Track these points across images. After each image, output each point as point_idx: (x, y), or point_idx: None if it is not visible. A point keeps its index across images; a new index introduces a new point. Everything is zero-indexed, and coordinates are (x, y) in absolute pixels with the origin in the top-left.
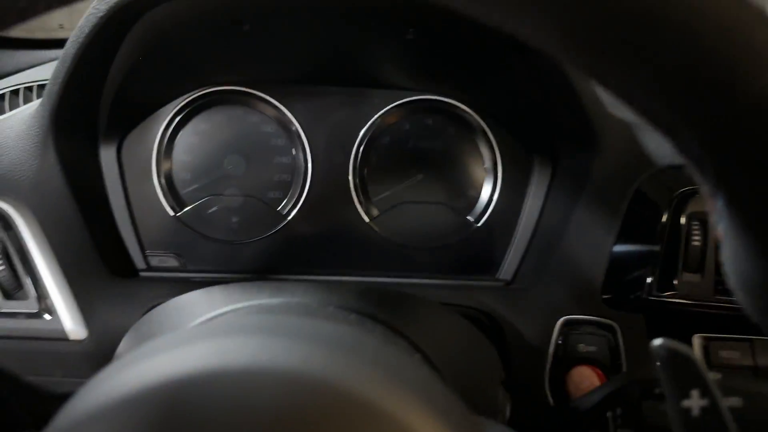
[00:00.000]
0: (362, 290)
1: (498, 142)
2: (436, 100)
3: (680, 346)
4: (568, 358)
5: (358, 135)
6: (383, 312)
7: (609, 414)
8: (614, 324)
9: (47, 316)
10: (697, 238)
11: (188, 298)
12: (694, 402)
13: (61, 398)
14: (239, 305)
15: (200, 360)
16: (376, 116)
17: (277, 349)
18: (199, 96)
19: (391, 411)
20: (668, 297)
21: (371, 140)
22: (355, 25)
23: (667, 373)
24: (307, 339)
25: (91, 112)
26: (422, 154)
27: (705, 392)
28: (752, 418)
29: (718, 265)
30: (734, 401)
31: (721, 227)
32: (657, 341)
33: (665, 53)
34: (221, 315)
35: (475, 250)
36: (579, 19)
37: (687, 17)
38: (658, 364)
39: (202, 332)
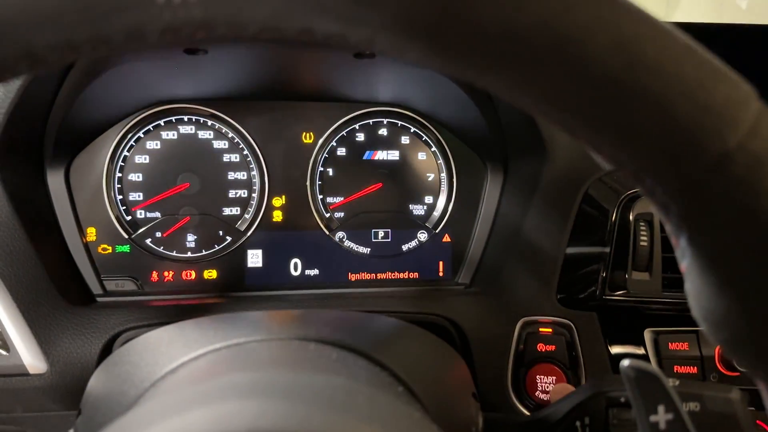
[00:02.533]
0: (337, 320)
1: (452, 151)
2: (389, 111)
3: (646, 366)
4: (528, 359)
5: (314, 148)
6: (362, 343)
7: (578, 423)
8: (570, 323)
9: (4, 352)
10: (644, 238)
11: (161, 335)
12: (661, 416)
13: None
14: (217, 345)
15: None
16: (330, 129)
17: (276, 413)
18: (148, 115)
19: None
20: (619, 295)
21: (327, 153)
22: (304, 46)
23: (636, 392)
24: (303, 399)
25: (37, 138)
26: (379, 165)
27: (670, 407)
28: (708, 418)
29: (664, 264)
30: (692, 406)
31: (684, 264)
32: (625, 362)
33: (633, 115)
34: (200, 357)
35: (435, 256)
36: (552, 85)
37: (651, 83)
38: (627, 382)
39: (197, 397)
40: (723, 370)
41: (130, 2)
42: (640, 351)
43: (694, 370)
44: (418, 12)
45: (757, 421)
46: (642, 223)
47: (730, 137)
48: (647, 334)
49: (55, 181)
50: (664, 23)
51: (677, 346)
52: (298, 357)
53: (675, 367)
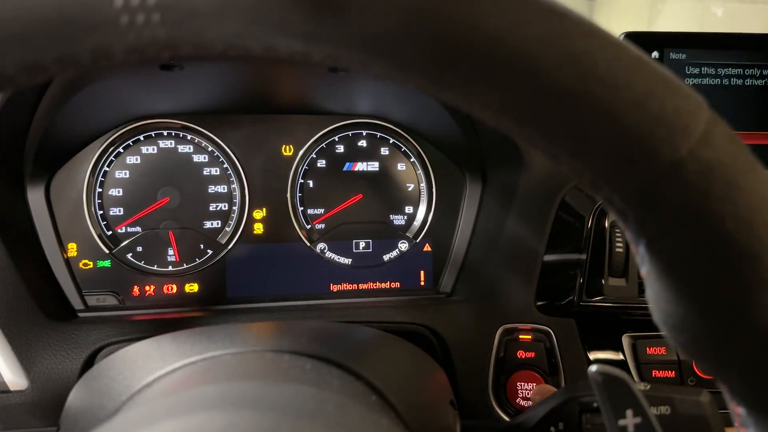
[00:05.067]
0: (313, 331)
1: (431, 161)
2: (368, 123)
3: (614, 371)
4: (509, 366)
5: (294, 160)
6: (336, 353)
7: (552, 429)
8: (549, 329)
9: None
10: (619, 244)
11: (138, 349)
12: (629, 420)
13: None
14: (193, 358)
15: None
16: (310, 141)
17: (244, 424)
18: (127, 130)
19: None
20: (597, 301)
21: (307, 165)
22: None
23: (604, 396)
24: (272, 408)
25: (17, 154)
26: (359, 176)
27: (638, 411)
28: (679, 421)
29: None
30: (663, 409)
31: (644, 270)
32: (593, 368)
33: (587, 125)
34: (176, 370)
35: (416, 265)
36: (508, 98)
37: (603, 93)
38: (595, 387)
39: (167, 409)
40: (700, 374)
41: (94, 23)
42: (619, 356)
43: (672, 374)
44: (377, 29)
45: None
46: (617, 230)
47: (682, 145)
48: (625, 340)
49: (35, 196)
50: (615, 37)
51: (655, 350)
52: (270, 368)
53: (653, 371)
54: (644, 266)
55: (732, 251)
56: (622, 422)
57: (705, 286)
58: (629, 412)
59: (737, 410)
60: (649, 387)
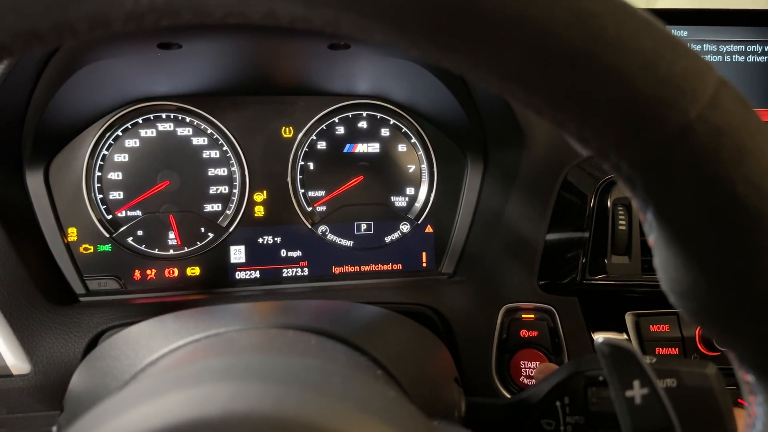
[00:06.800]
0: (316, 309)
1: (432, 142)
2: (368, 104)
3: (621, 342)
4: (512, 345)
5: (294, 142)
6: (342, 329)
7: (558, 403)
8: (552, 308)
9: None
10: (622, 222)
11: (141, 329)
12: (636, 391)
13: None
14: (197, 336)
15: (174, 413)
16: (310, 122)
17: (251, 395)
18: (126, 113)
19: None
20: (600, 279)
21: (307, 147)
22: (278, 37)
23: (611, 368)
24: (277, 380)
25: (15, 139)
26: (359, 158)
27: (645, 381)
28: (685, 393)
29: (643, 247)
30: (669, 382)
31: (652, 237)
32: (600, 339)
33: (594, 89)
34: (180, 348)
35: (418, 247)
36: (514, 63)
37: (611, 57)
38: (602, 359)
39: (169, 381)
40: (703, 350)
41: None
42: (622, 334)
43: (675, 351)
44: None
45: (739, 399)
46: (620, 208)
47: (691, 109)
48: (628, 317)
49: (34, 181)
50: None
51: (658, 328)
52: (275, 343)
53: (657, 348)
54: (652, 234)
55: (742, 216)
56: (629, 393)
57: (714, 252)
58: (636, 383)
59: (746, 378)
60: (655, 360)
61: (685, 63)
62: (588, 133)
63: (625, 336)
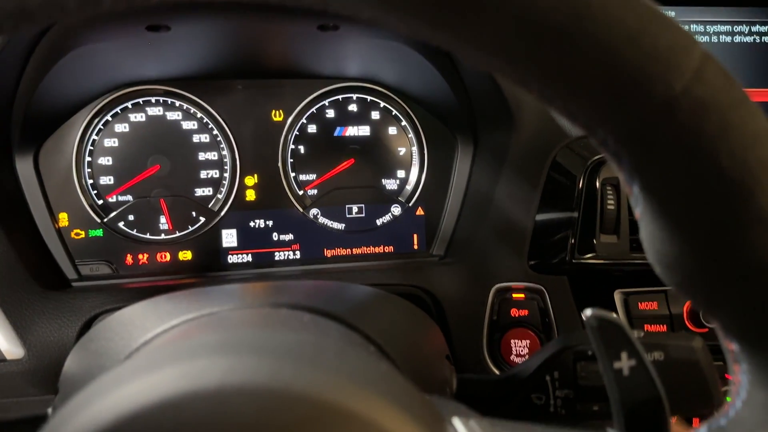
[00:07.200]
0: (309, 288)
1: (422, 125)
2: (358, 86)
3: (608, 315)
4: (502, 324)
5: (284, 126)
6: (334, 308)
7: (548, 378)
8: (542, 287)
9: None
10: (611, 202)
11: (135, 310)
12: (624, 363)
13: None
14: (191, 315)
15: (170, 386)
16: (300, 106)
17: (245, 369)
18: (115, 98)
19: (357, 412)
20: (589, 258)
21: (298, 130)
22: (267, 18)
23: (599, 340)
24: (271, 353)
25: (3, 124)
26: (350, 141)
27: (632, 353)
28: (673, 366)
29: (632, 226)
30: (657, 355)
31: (638, 210)
32: (588, 312)
33: (580, 64)
34: (174, 327)
35: (409, 229)
36: (502, 39)
37: (596, 31)
38: (590, 331)
39: (164, 356)
40: (691, 327)
41: None
42: (611, 313)
43: (663, 328)
44: None
45: (726, 375)
46: (609, 188)
47: (675, 83)
48: (617, 295)
49: (24, 167)
50: None
51: (647, 305)
52: (269, 320)
53: (645, 326)
54: (638, 207)
55: (726, 188)
56: (617, 365)
57: (699, 224)
58: (624, 355)
59: (730, 346)
60: (643, 334)
61: (670, 37)
62: (575, 108)
63: (613, 312)
